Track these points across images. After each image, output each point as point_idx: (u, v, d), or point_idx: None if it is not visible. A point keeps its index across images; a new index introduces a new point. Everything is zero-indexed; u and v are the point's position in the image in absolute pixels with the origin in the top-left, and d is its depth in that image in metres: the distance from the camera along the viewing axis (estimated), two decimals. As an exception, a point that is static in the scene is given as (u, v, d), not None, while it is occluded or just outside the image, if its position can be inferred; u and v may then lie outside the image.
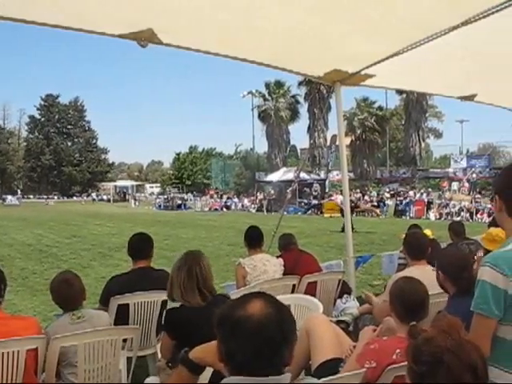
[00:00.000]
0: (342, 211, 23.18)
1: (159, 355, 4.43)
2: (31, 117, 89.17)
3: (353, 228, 21.52)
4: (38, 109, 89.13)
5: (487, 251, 4.39)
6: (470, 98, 7.73)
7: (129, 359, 4.44)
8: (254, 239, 6.07)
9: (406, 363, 2.02)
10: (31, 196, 77.87)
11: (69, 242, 19.33)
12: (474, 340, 2.04)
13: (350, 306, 6.01)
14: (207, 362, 2.29)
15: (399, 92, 47.42)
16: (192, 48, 5.21)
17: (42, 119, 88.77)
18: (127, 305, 4.70)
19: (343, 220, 7.48)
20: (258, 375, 1.85)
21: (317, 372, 3.50)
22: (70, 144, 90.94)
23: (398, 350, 2.92)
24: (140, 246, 5.15)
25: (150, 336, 4.95)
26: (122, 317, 4.59)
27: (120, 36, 4.62)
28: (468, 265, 2.99)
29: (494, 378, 2.40)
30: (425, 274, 4.42)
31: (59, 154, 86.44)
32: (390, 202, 37.37)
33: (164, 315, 3.70)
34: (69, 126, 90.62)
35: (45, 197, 71.72)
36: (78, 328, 3.80)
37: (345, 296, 6.18)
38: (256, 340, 1.82)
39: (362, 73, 6.18)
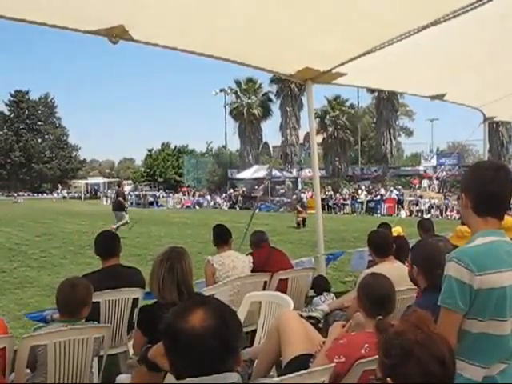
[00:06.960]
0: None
1: (131, 353, 4.42)
2: (0, 113, 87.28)
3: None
4: (6, 104, 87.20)
5: (455, 247, 4.47)
6: (440, 97, 7.87)
7: (100, 357, 4.40)
8: (220, 237, 6.15)
9: (374, 357, 2.05)
10: (0, 193, 76.61)
11: (39, 240, 19.00)
12: (441, 333, 2.09)
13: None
14: (158, 362, 2.26)
15: (371, 90, 47.68)
16: (160, 44, 5.22)
17: (12, 115, 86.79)
18: (98, 303, 4.65)
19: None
20: None
21: (287, 368, 3.53)
22: (40, 141, 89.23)
23: (366, 345, 2.98)
24: (107, 244, 5.15)
25: (122, 334, 4.93)
26: (92, 315, 4.55)
27: (92, 32, 4.62)
28: (442, 261, 3.06)
29: (458, 370, 2.45)
30: (393, 270, 4.51)
31: (29, 150, 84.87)
32: (363, 198, 37.51)
33: (138, 312, 3.68)
34: (39, 123, 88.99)
35: (14, 194, 70.42)
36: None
37: (324, 293, 6.18)
38: (195, 354, 1.78)
39: (334, 71, 6.23)
